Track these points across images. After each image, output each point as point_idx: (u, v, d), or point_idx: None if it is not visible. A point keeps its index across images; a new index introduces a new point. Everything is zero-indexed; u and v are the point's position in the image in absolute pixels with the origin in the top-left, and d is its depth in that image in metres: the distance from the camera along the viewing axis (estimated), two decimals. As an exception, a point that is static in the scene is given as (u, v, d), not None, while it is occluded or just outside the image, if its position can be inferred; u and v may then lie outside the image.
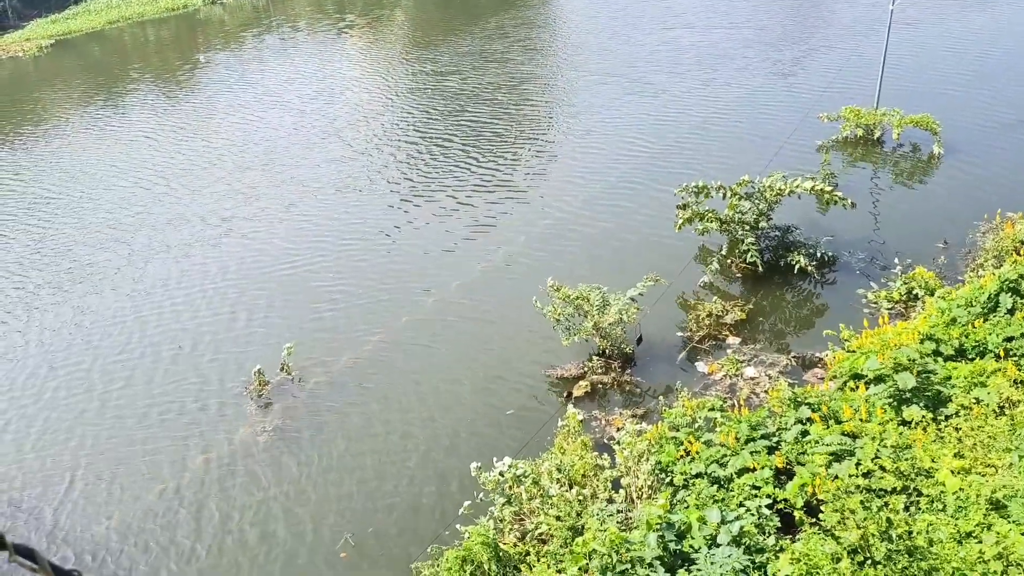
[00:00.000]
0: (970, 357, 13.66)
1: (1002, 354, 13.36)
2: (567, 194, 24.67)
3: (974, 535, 9.72)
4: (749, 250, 18.81)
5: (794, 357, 16.27)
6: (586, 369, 16.44)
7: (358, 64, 41.46)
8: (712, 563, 9.59)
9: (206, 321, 19.92)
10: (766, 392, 15.06)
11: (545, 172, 26.68)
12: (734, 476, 11.53)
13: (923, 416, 12.14)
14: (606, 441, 14.27)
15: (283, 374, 17.26)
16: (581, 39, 42.06)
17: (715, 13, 44.04)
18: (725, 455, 11.86)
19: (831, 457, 11.39)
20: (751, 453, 11.82)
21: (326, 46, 46.20)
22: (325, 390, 16.93)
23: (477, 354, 17.54)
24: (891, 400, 12.58)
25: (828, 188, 18.64)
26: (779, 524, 10.71)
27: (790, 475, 11.61)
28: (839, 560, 9.25)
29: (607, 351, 16.67)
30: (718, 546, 9.86)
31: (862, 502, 10.05)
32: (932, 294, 16.92)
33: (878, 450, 11.28)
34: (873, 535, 9.17)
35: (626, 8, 47.19)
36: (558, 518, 11.63)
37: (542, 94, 34.46)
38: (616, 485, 12.42)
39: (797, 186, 18.56)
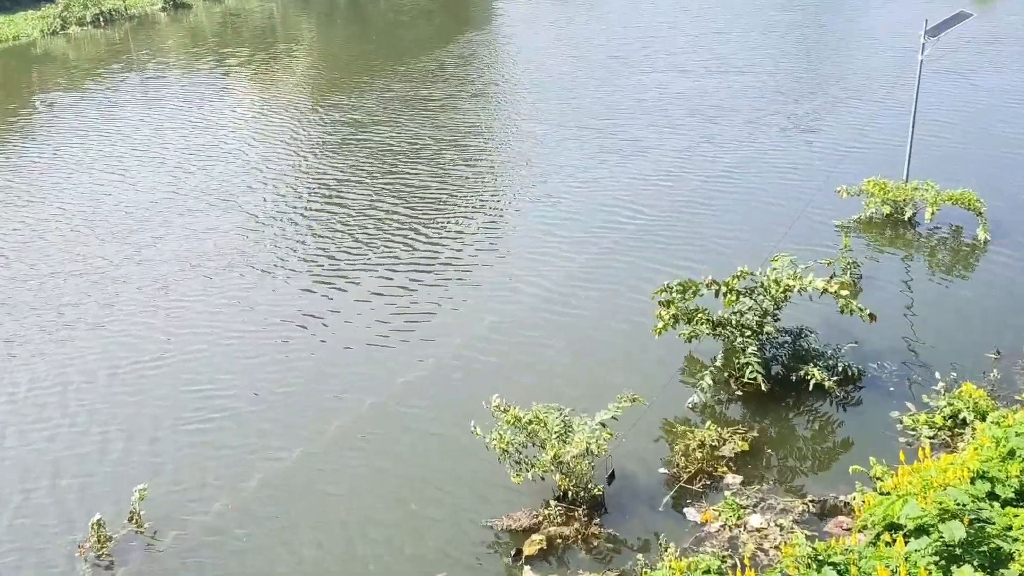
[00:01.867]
0: (1035, 502, 13.50)
1: (1077, 500, 13.18)
2: (525, 280, 24.53)
3: None
4: (749, 363, 18.65)
5: (812, 501, 15.90)
6: (542, 517, 15.83)
7: (253, 111, 41.40)
8: None
9: (30, 449, 19.00)
10: (776, 548, 14.63)
11: (500, 250, 26.65)
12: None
13: (980, 581, 11.83)
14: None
15: (132, 526, 16.34)
16: (542, 82, 42.73)
17: (710, 55, 45.19)
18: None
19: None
20: (761, 637, 11.34)
21: (207, 88, 46.17)
22: (190, 547, 16.07)
23: (400, 491, 16.90)
24: (937, 558, 12.28)
25: (844, 292, 18.62)
26: None
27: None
28: None
29: (569, 493, 16.10)
30: None
31: None
32: (984, 418, 16.80)
33: (927, 633, 10.89)
34: None
35: (597, 45, 48.33)
36: None
37: (496, 151, 34.80)
38: None
39: (809, 283, 18.55)
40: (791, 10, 53.37)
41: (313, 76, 48.16)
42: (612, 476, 16.57)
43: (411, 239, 27.55)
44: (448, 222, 28.72)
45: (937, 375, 18.98)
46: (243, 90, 45.80)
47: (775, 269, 19.39)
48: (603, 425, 16.39)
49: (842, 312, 18.80)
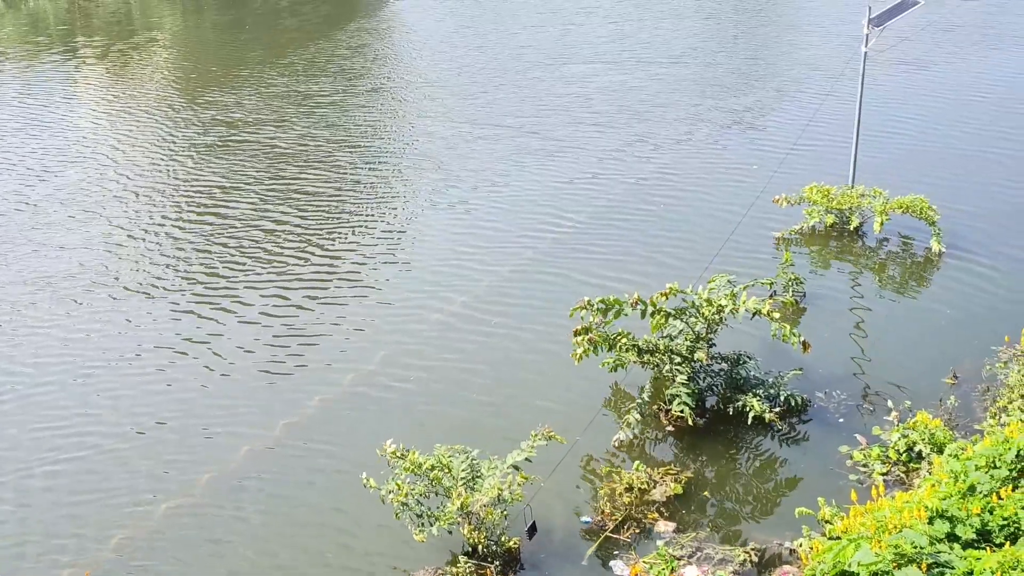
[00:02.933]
0: (997, 542, 13.63)
1: (1044, 539, 13.35)
2: (436, 296, 24.53)
3: None
4: (678, 395, 18.70)
5: (753, 549, 15.90)
6: (448, 576, 15.74)
7: (113, 110, 40.57)
8: None
9: None
10: (715, 604, 14.69)
11: (407, 263, 26.73)
12: None
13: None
14: None
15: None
16: (448, 76, 42.82)
17: (638, 44, 45.74)
18: None
19: None
20: None
21: (55, 84, 45.20)
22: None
23: (291, 548, 16.61)
24: (894, 610, 12.38)
25: (776, 315, 18.71)
26: None
27: None
28: None
29: (480, 547, 15.96)
30: None
31: None
32: (941, 451, 16.98)
33: None
34: None
35: (507, 33, 48.40)
36: None
37: (399, 152, 34.80)
38: None
39: (743, 303, 18.62)
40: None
41: (182, 70, 47.41)
42: (533, 528, 16.38)
43: (305, 252, 27.35)
44: (347, 232, 28.60)
45: (889, 404, 19.25)
46: (99, 86, 44.92)
47: (711, 289, 19.46)
48: (516, 468, 16.26)
49: (773, 337, 18.94)
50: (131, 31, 55.67)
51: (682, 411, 18.54)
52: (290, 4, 60.18)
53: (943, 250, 24.96)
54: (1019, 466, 14.82)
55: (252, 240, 28.26)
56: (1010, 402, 18.62)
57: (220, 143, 36.10)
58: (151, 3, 63.18)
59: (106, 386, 21.70)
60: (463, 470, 16.02)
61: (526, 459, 16.45)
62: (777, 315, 18.78)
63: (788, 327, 18.71)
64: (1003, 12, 46.43)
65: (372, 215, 29.94)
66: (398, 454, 16.04)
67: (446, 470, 15.96)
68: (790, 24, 48.25)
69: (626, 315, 19.15)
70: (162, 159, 34.87)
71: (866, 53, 26.31)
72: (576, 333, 18.89)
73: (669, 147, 33.38)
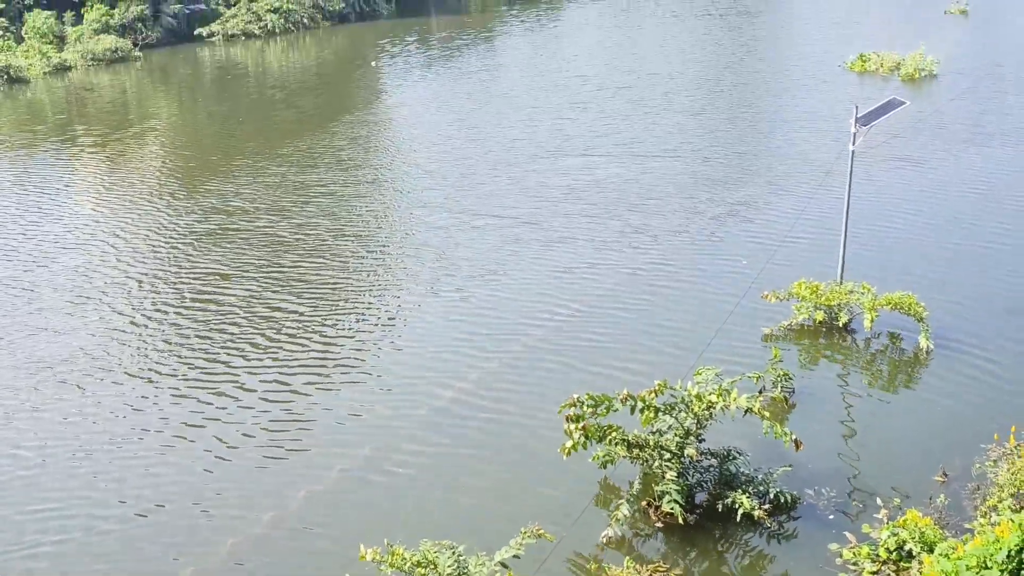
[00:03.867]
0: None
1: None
2: (431, 384, 24.72)
3: None
4: (667, 491, 18.59)
5: (742, 650, 15.85)
6: (434, 675, 15.49)
7: (112, 197, 40.88)
8: None
9: None
10: None
11: (405, 350, 27.03)
12: None
13: None
14: None
15: None
16: (445, 167, 43.26)
17: (631, 138, 46.08)
18: None
19: None
20: None
21: (53, 171, 45.91)
22: None
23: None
24: None
25: (766, 413, 18.71)
26: None
27: None
28: None
29: (467, 645, 15.77)
30: None
31: None
32: (931, 550, 16.90)
33: None
34: None
35: (502, 126, 48.73)
36: None
37: (398, 241, 35.23)
38: None
39: (733, 400, 18.62)
40: (722, 91, 54.73)
41: (181, 159, 47.80)
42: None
43: (304, 338, 27.57)
44: (346, 319, 28.91)
45: (879, 502, 19.13)
46: (98, 173, 45.26)
47: (698, 383, 19.46)
48: (504, 566, 16.12)
49: (765, 435, 18.89)
50: (128, 120, 56.32)
51: (672, 509, 18.45)
52: (285, 96, 60.91)
53: (932, 347, 24.94)
54: (1010, 566, 14.72)
55: (252, 326, 28.44)
56: (1000, 501, 18.54)
57: (220, 231, 36.33)
58: (147, 93, 64.09)
59: (107, 468, 21.86)
60: (449, 567, 15.85)
61: (515, 556, 16.33)
62: (768, 414, 18.78)
63: (779, 425, 18.69)
64: (989, 111, 46.93)
65: (371, 303, 30.15)
66: (382, 556, 15.83)
67: (431, 567, 15.80)
68: (782, 119, 48.61)
69: (616, 411, 19.12)
70: (162, 246, 35.09)
71: (854, 151, 26.57)
72: (568, 420, 18.85)
73: (663, 239, 33.56)
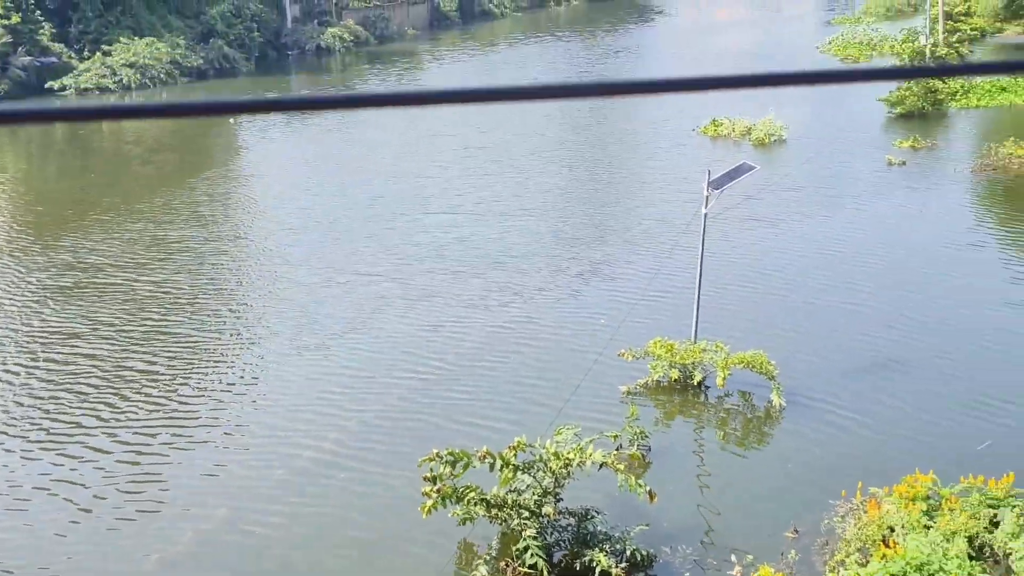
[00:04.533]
0: None
1: None
2: (290, 443, 24.51)
3: None
4: (528, 547, 18.62)
5: None
6: None
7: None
8: None
9: None
10: None
11: (264, 408, 26.70)
12: None
13: None
14: None
15: None
16: (307, 223, 43.13)
17: (494, 197, 46.41)
18: None
19: None
20: None
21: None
22: None
23: None
24: None
25: (621, 466, 19.07)
26: None
27: None
28: None
29: None
30: None
31: None
32: (782, 605, 17.28)
33: None
34: None
35: (362, 184, 48.65)
36: None
37: (261, 298, 34.97)
38: None
39: (589, 456, 18.85)
40: (582, 152, 55.66)
41: (33, 213, 46.71)
42: None
43: (164, 396, 27.13)
44: (207, 377, 28.61)
45: (733, 558, 19.42)
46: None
47: (557, 441, 19.62)
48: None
49: (620, 488, 19.15)
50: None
51: (535, 564, 18.45)
52: (141, 152, 60.03)
53: (783, 404, 25.48)
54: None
55: (108, 385, 27.86)
56: (847, 556, 18.99)
57: (74, 287, 35.55)
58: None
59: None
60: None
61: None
62: (623, 467, 19.06)
63: (633, 478, 19.02)
64: (837, 175, 48.38)
65: (231, 360, 29.86)
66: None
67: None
68: (640, 181, 49.53)
69: (475, 468, 19.18)
70: (14, 303, 34.12)
71: (706, 214, 27.24)
72: (425, 479, 18.93)
73: (526, 296, 33.87)
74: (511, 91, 3.75)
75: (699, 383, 26.62)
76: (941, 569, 16.42)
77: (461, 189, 48.01)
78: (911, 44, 67.00)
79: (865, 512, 19.79)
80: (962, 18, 71.84)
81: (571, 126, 62.97)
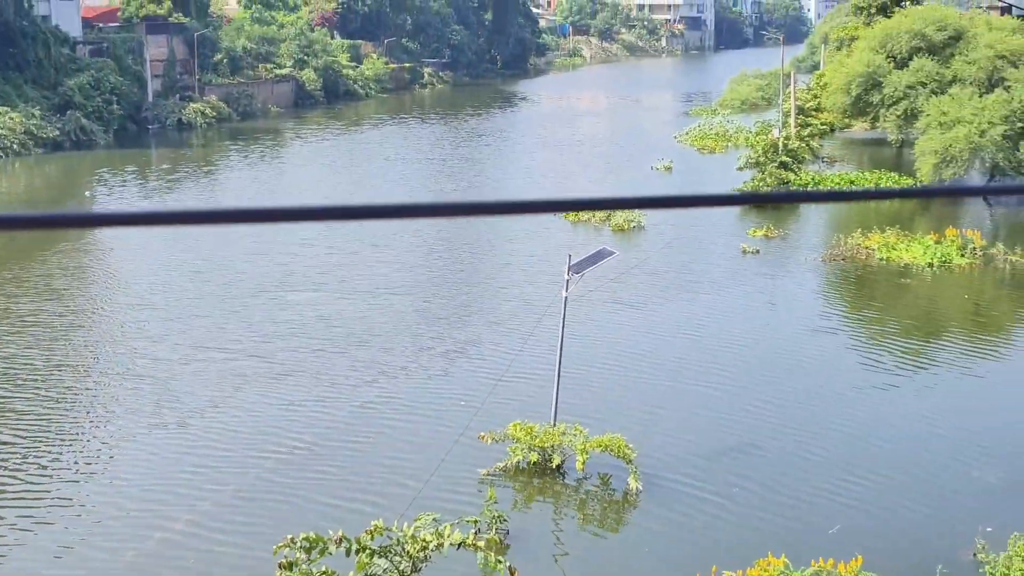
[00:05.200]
0: None
1: None
2: (143, 525, 23.92)
3: None
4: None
5: None
6: None
7: None
8: None
9: None
10: None
11: (118, 486, 25.99)
12: None
13: None
14: None
15: None
16: (170, 300, 42.05)
17: (358, 276, 46.14)
18: None
19: None
20: None
21: None
22: None
23: None
24: None
25: (479, 544, 19.09)
26: None
27: None
28: None
29: None
30: None
31: None
32: None
33: None
34: None
35: (226, 261, 48.06)
36: None
37: (119, 374, 34.00)
38: None
39: (447, 537, 18.82)
40: (447, 234, 55.78)
41: None
42: None
43: (16, 473, 26.39)
44: (60, 452, 28.02)
45: (589, 642, 19.52)
46: None
47: (416, 524, 19.52)
48: None
49: (482, 567, 19.13)
50: None
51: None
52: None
53: (640, 487, 25.65)
54: None
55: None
56: (702, 639, 19.21)
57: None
58: None
59: None
60: None
61: None
62: (482, 544, 19.08)
63: (493, 556, 19.02)
64: (694, 260, 49.58)
65: (88, 437, 29.13)
66: None
67: None
68: (504, 263, 49.83)
69: (331, 553, 18.92)
70: None
71: (567, 297, 27.61)
72: (280, 567, 18.61)
73: (389, 376, 33.74)
74: (382, 209, 3.81)
75: (558, 466, 26.63)
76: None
77: (325, 266, 47.70)
78: (765, 136, 69.32)
79: (720, 595, 20.08)
80: (813, 113, 74.60)
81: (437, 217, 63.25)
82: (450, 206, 4.21)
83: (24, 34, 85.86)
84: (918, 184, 60.43)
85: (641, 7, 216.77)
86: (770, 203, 58.92)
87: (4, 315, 39.53)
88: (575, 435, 26.35)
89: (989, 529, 22.95)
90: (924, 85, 64.50)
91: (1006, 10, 76.64)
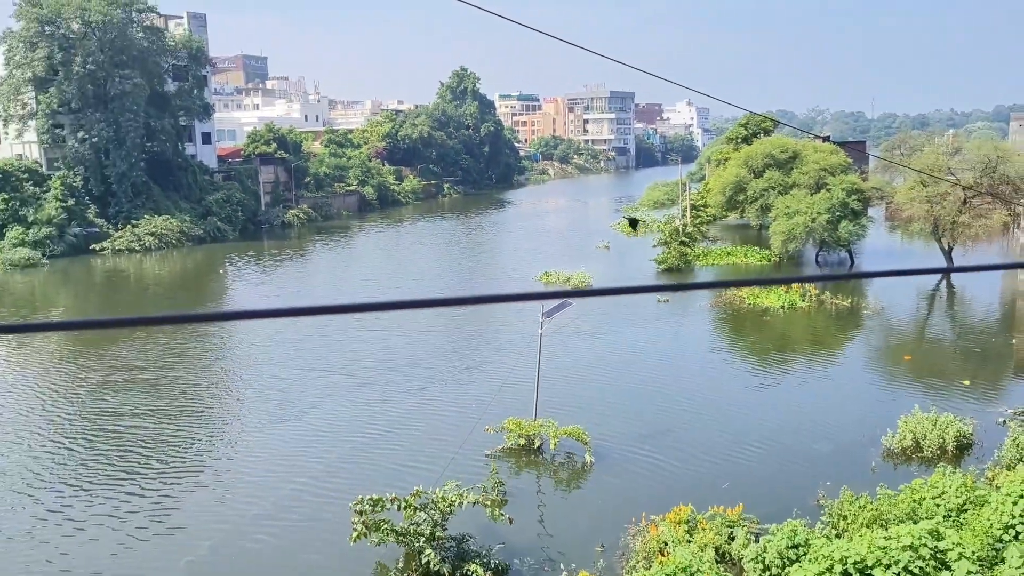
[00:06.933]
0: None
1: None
2: (248, 492, 23.34)
3: None
4: (429, 560, 18.18)
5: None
6: None
7: None
8: None
9: None
10: None
11: (232, 474, 25.06)
12: None
13: None
14: None
15: None
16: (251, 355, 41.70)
17: (398, 315, 45.46)
18: None
19: None
20: None
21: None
22: None
23: None
24: None
25: (488, 502, 19.06)
26: None
27: None
28: None
29: None
30: None
31: None
32: (596, 598, 17.10)
33: None
34: None
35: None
36: None
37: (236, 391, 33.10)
38: None
39: (465, 497, 18.72)
40: (456, 286, 55.76)
41: (97, 334, 44.36)
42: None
43: (189, 455, 25.36)
44: (211, 441, 26.82)
45: (561, 566, 19.27)
46: None
47: (444, 489, 19.39)
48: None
49: (489, 517, 18.97)
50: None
51: (438, 570, 18.02)
52: (162, 291, 57.97)
53: (593, 461, 25.53)
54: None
55: (151, 445, 26.53)
56: (636, 563, 19.01)
57: (120, 382, 33.70)
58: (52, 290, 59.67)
59: None
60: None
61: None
62: (489, 503, 18.93)
63: (496, 510, 18.92)
64: (629, 308, 48.75)
65: (234, 428, 28.74)
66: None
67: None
68: (498, 312, 49.43)
69: (388, 508, 18.79)
70: (79, 390, 32.31)
71: (542, 334, 27.61)
72: (354, 513, 18.53)
73: (427, 388, 33.62)
74: (391, 304, 3.83)
75: (538, 448, 26.55)
76: (698, 570, 16.50)
77: (383, 315, 47.18)
78: (670, 224, 69.59)
79: (648, 532, 19.88)
80: (702, 208, 74.87)
81: (455, 277, 63.27)
82: (456, 299, 4.24)
83: (179, 167, 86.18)
84: (784, 258, 60.62)
85: (587, 141, 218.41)
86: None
87: (172, 355, 39.08)
88: (549, 426, 26.24)
89: (828, 483, 22.87)
90: (774, 188, 64.86)
91: (825, 139, 77.92)
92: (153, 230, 76.72)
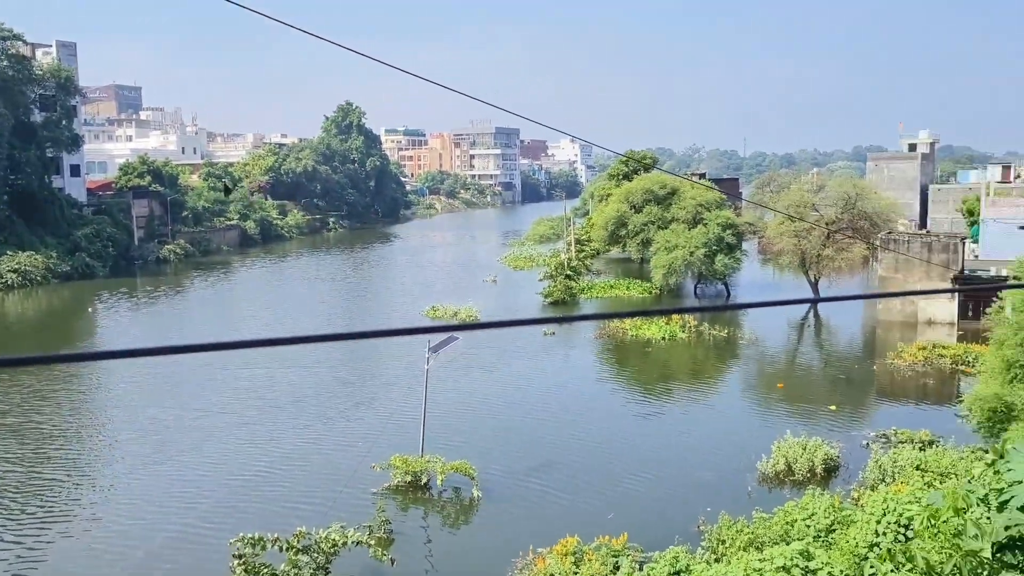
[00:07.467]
0: None
1: None
2: (120, 534, 21.94)
3: None
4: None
5: None
6: None
7: None
8: None
9: None
10: None
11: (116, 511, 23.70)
12: None
13: None
14: None
15: None
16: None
17: (283, 350, 44.49)
18: None
19: None
20: None
21: None
22: None
23: None
24: None
25: (372, 542, 18.83)
26: None
27: None
28: None
29: None
30: None
31: None
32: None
33: None
34: None
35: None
36: None
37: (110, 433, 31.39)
38: None
39: (350, 537, 18.39)
40: (342, 324, 54.83)
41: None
42: None
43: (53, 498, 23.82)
44: (79, 479, 25.23)
45: (449, 603, 19.13)
46: None
47: (329, 529, 18.99)
48: None
49: (373, 557, 18.72)
50: None
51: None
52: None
53: (480, 495, 25.51)
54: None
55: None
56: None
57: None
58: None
59: None
60: None
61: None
62: (373, 542, 18.67)
63: (380, 550, 18.72)
64: (515, 341, 48.95)
65: (108, 470, 27.21)
66: None
67: None
68: (382, 351, 48.64)
69: (269, 550, 18.29)
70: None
71: (428, 370, 27.52)
72: (234, 557, 17.89)
73: (312, 424, 32.87)
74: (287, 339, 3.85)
75: (425, 484, 26.30)
76: (584, 600, 16.65)
77: (267, 351, 45.81)
78: (556, 258, 70.76)
79: (535, 566, 19.95)
80: (586, 242, 76.48)
81: (341, 312, 62.33)
82: (342, 335, 4.27)
83: (46, 201, 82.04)
84: (665, 290, 62.43)
85: (473, 176, 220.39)
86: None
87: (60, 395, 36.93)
88: (436, 462, 26.12)
89: (709, 509, 23.51)
90: (653, 223, 66.82)
91: (701, 176, 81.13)
92: (16, 267, 72.48)
